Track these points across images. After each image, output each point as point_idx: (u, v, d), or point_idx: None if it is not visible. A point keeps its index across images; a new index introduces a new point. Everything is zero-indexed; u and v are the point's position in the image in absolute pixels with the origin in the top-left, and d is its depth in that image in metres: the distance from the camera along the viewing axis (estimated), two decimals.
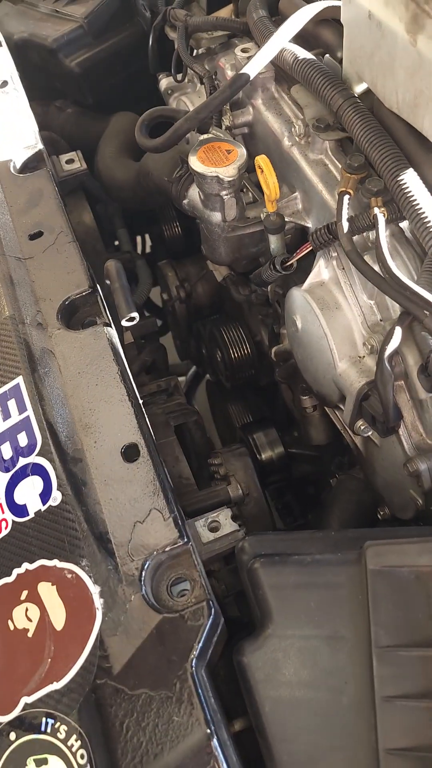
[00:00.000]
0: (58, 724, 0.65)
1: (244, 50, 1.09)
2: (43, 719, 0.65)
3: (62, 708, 0.65)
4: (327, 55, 0.98)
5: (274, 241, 0.99)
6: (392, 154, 0.83)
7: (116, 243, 1.58)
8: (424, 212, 0.79)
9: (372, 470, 0.98)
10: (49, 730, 0.65)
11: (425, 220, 0.79)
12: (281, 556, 0.72)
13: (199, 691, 0.62)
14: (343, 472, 1.15)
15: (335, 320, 0.89)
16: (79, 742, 0.63)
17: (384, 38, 0.79)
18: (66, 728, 0.64)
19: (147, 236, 1.87)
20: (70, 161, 1.17)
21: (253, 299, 1.21)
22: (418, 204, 0.79)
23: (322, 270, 0.92)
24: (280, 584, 0.69)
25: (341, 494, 1.10)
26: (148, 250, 1.90)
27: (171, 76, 1.28)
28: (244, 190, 1.08)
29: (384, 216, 0.82)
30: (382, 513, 1.02)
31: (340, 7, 0.90)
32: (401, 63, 0.78)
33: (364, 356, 0.89)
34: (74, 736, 0.64)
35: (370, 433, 0.90)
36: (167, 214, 1.55)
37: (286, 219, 0.99)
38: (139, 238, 1.86)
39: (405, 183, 0.81)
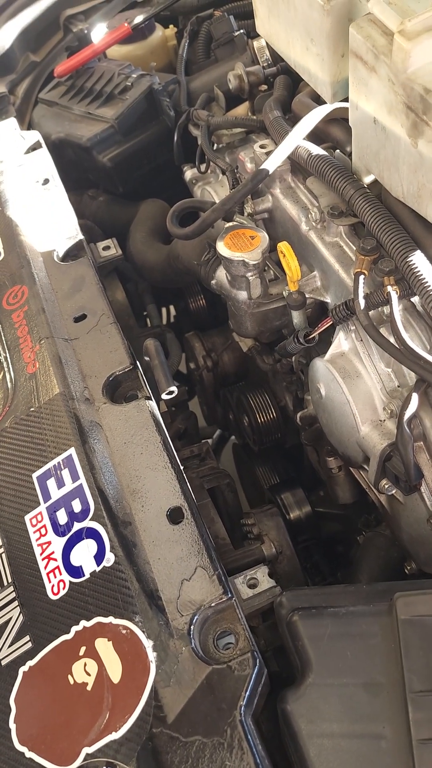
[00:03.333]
0: None
1: (262, 146, 1.21)
2: None
3: (121, 757, 0.70)
4: (337, 150, 1.10)
5: (296, 316, 1.08)
6: (401, 238, 0.92)
7: (144, 314, 1.69)
8: None
9: (397, 526, 1.04)
10: None
11: None
12: (317, 609, 0.78)
13: (249, 737, 0.67)
14: (370, 529, 1.21)
15: (356, 387, 0.97)
16: None
17: (388, 140, 0.90)
18: None
19: (171, 307, 1.99)
20: (106, 248, 1.28)
21: (278, 368, 1.29)
22: (426, 282, 0.88)
23: (342, 342, 1.00)
24: (318, 635, 0.75)
25: (369, 551, 1.15)
26: (171, 320, 2.01)
27: (195, 167, 1.41)
28: (267, 268, 1.19)
29: (397, 293, 0.91)
30: (409, 568, 1.07)
31: (347, 108, 1.02)
32: (404, 161, 0.88)
33: (384, 420, 0.96)
34: None
35: (394, 492, 0.97)
36: (192, 289, 1.67)
37: (307, 296, 1.08)
38: (164, 310, 1.98)
39: (414, 263, 0.90)
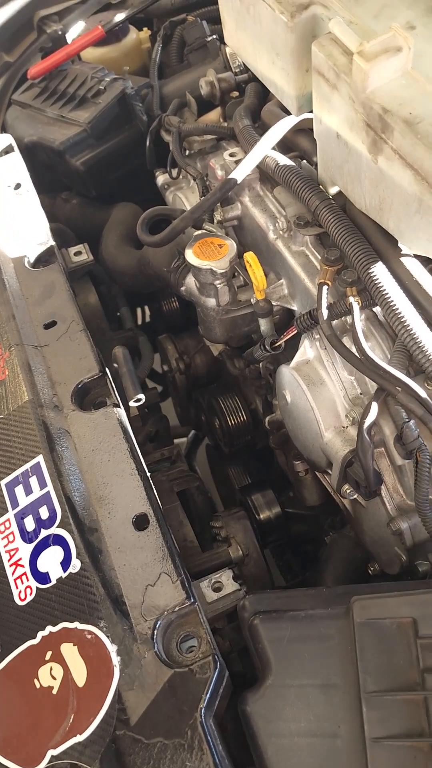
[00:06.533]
0: None
1: (231, 154, 1.23)
2: None
3: (85, 759, 0.72)
4: (304, 160, 1.12)
5: (263, 324, 1.10)
6: (363, 249, 0.94)
7: (118, 314, 1.70)
8: (392, 300, 0.90)
9: (360, 529, 1.07)
10: None
11: (394, 308, 0.90)
12: (278, 612, 0.80)
13: (208, 738, 0.70)
14: (336, 531, 1.24)
15: (320, 394, 1.00)
16: None
17: (350, 155, 0.92)
18: None
19: (146, 307, 2.00)
20: (78, 253, 1.29)
21: (246, 373, 1.32)
22: (387, 293, 0.90)
23: (307, 350, 1.03)
24: (278, 638, 0.77)
25: (334, 552, 1.18)
26: (147, 319, 2.03)
27: (167, 172, 1.42)
28: (236, 274, 1.20)
29: (359, 304, 0.93)
30: (372, 569, 1.10)
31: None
32: (366, 175, 0.91)
33: (347, 426, 0.98)
34: None
35: (355, 496, 0.99)
36: (165, 291, 1.68)
37: (274, 303, 1.10)
38: (139, 310, 1.99)
39: (375, 275, 0.92)
